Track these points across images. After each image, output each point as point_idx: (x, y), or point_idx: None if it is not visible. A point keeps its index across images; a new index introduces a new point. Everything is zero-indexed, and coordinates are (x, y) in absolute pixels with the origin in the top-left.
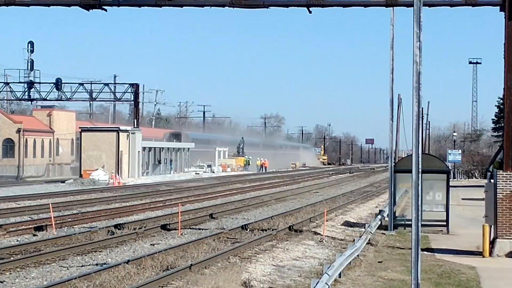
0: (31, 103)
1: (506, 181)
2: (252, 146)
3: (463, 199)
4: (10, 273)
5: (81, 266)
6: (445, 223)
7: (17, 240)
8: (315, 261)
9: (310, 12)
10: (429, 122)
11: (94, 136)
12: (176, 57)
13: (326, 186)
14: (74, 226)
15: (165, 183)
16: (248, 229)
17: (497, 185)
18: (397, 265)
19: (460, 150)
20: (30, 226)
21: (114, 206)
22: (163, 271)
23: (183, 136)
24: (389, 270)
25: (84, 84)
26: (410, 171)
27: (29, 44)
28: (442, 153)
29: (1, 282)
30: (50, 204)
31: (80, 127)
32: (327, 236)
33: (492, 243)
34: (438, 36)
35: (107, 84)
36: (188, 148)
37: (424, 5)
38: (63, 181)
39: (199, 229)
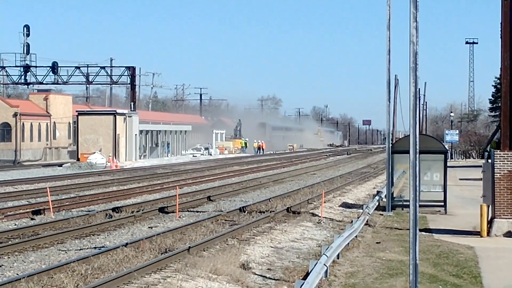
0: (28, 87)
1: (504, 161)
2: (277, 130)
3: (460, 179)
4: (9, 257)
5: (79, 250)
6: (442, 204)
7: (15, 224)
8: (313, 243)
9: None
10: (426, 102)
11: (91, 119)
12: (173, 40)
13: (323, 167)
14: (72, 210)
15: (163, 166)
16: (246, 211)
17: (495, 165)
18: (395, 245)
19: (457, 131)
20: (28, 210)
21: (112, 189)
22: (162, 253)
23: (266, 126)
24: (387, 251)
25: (81, 68)
26: (408, 152)
27: (25, 28)
28: (439, 133)
29: (0, 266)
30: (48, 188)
31: (77, 111)
32: (325, 218)
33: (490, 223)
34: (435, 16)
35: (103, 67)
36: (185, 131)
37: None
38: (60, 165)
39: (197, 211)
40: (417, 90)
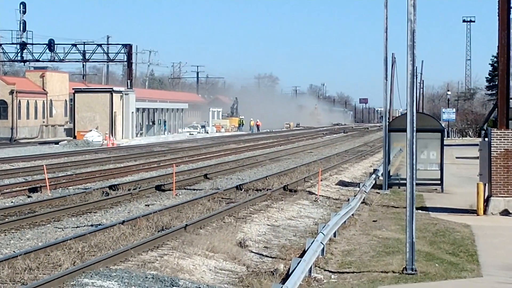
0: (24, 65)
1: (501, 139)
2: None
3: (457, 157)
4: (5, 235)
5: (76, 227)
6: (439, 182)
7: (12, 202)
8: (310, 221)
9: None
10: (423, 81)
11: (87, 97)
12: (170, 17)
13: (320, 146)
14: (69, 187)
15: (159, 144)
16: (243, 189)
17: (491, 143)
18: (391, 224)
19: (454, 109)
20: (24, 188)
21: (109, 167)
22: (158, 231)
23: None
24: (383, 229)
25: (77, 45)
26: (404, 130)
27: (21, 5)
28: (436, 112)
29: None
30: (44, 166)
31: (73, 88)
32: (322, 196)
33: (487, 201)
34: None
35: (100, 45)
36: (182, 109)
37: None
38: (57, 143)
39: (194, 189)
40: (415, 68)
